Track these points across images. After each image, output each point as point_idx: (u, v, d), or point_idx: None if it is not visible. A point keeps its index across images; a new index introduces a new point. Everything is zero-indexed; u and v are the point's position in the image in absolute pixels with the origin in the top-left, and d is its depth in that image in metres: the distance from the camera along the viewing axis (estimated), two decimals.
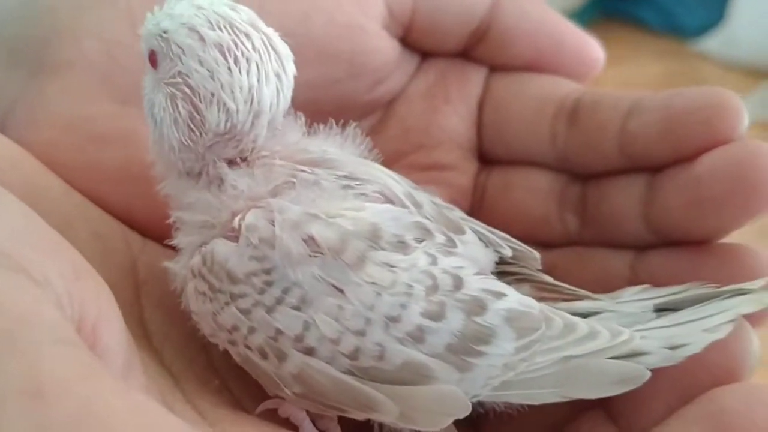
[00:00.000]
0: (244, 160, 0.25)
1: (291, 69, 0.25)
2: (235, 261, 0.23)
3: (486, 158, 0.34)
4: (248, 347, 0.23)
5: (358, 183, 0.25)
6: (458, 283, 0.24)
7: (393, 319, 0.23)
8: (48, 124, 0.28)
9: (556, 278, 0.28)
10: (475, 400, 0.24)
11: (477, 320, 0.24)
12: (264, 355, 0.23)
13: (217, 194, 0.25)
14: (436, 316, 0.23)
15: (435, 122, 0.33)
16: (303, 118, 0.27)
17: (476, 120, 0.34)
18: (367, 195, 0.25)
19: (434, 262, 0.24)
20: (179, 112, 0.24)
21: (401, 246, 0.24)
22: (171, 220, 0.26)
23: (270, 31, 0.25)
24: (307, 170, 0.25)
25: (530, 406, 0.26)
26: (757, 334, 0.25)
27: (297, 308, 0.23)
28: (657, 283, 0.27)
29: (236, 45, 0.24)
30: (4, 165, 0.26)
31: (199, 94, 0.24)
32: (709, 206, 0.26)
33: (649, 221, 0.29)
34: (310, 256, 0.23)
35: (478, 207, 0.33)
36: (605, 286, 0.28)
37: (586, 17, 1.28)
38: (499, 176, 0.33)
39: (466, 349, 0.23)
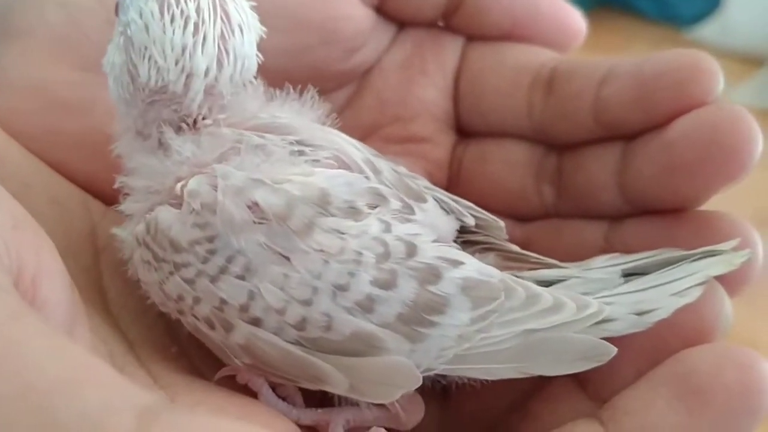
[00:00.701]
0: (192, 127, 0.24)
1: (246, 38, 0.24)
2: (178, 228, 0.23)
3: (463, 130, 0.33)
4: (195, 317, 0.23)
5: (310, 149, 0.24)
6: (412, 250, 0.23)
7: (341, 288, 0.22)
8: (7, 90, 0.27)
9: (532, 251, 0.28)
10: (429, 373, 0.23)
11: (430, 289, 0.23)
12: (211, 326, 0.23)
13: (162, 160, 0.24)
14: (387, 284, 0.23)
15: (411, 94, 0.33)
16: (261, 86, 0.26)
17: (453, 91, 0.33)
18: (320, 161, 0.24)
19: (387, 228, 0.23)
20: (119, 62, 0.24)
21: (352, 212, 0.23)
22: (117, 185, 0.25)
23: None
24: (255, 135, 0.24)
25: None
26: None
27: (241, 277, 0.22)
28: (631, 253, 0.27)
29: (177, 2, 0.23)
30: None
31: (135, 46, 0.23)
32: (683, 173, 0.26)
33: (624, 190, 0.28)
34: (255, 222, 0.22)
35: (455, 179, 0.32)
36: (580, 256, 0.27)
37: (581, 5, 1.28)
38: (476, 148, 0.32)
39: (418, 318, 0.23)
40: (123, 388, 0.16)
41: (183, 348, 0.26)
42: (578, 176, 0.30)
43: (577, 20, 0.33)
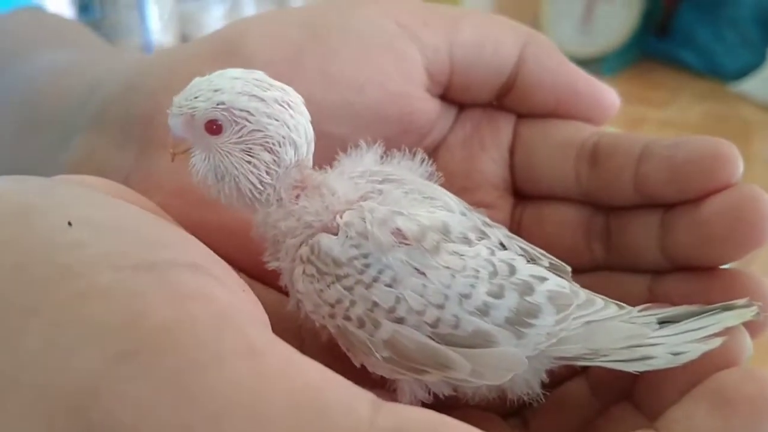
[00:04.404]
0: (302, 188, 0.31)
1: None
2: (338, 249, 0.28)
3: (520, 194, 0.38)
4: (347, 318, 0.28)
5: (426, 197, 0.30)
6: (512, 269, 0.29)
7: (465, 296, 0.28)
8: (157, 192, 0.32)
9: None
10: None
11: (527, 299, 0.29)
12: (361, 324, 0.28)
13: (319, 201, 0.30)
14: (497, 295, 0.28)
15: (473, 167, 0.38)
16: (380, 149, 0.32)
17: (509, 162, 0.38)
18: (436, 206, 0.30)
19: (492, 253, 0.29)
20: (259, 159, 0.29)
21: (466, 241, 0.29)
22: (264, 237, 0.31)
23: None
24: (385, 183, 0.30)
25: (564, 401, 0.32)
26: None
27: (389, 285, 0.28)
28: (671, 302, 0.32)
29: (282, 96, 0.30)
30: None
31: (275, 141, 0.29)
32: (714, 243, 0.31)
33: (664, 252, 0.33)
34: (398, 244, 0.28)
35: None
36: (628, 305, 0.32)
37: (627, 58, 1.31)
38: (533, 210, 0.38)
39: (519, 321, 0.28)
40: (357, 388, 0.22)
41: None
42: (624, 236, 0.35)
43: (611, 97, 0.38)
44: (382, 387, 0.31)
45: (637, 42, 1.33)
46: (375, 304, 0.28)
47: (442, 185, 0.33)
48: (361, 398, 0.21)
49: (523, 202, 0.38)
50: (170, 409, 0.20)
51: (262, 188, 0.30)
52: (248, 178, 0.30)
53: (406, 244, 0.28)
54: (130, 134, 0.35)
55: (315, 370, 0.22)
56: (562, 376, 0.34)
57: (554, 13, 1.36)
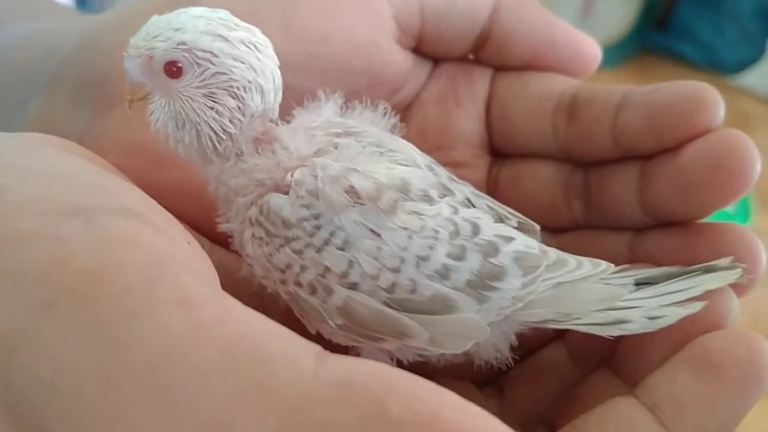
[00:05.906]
0: (262, 140, 0.28)
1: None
2: (288, 209, 0.26)
3: (497, 152, 0.37)
4: (299, 284, 0.27)
5: (387, 150, 0.28)
6: (476, 229, 0.27)
7: (423, 259, 0.26)
8: (113, 151, 0.30)
9: None
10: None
11: (491, 261, 0.27)
12: (313, 291, 0.26)
13: (270, 157, 0.28)
14: (458, 256, 0.27)
15: (449, 124, 0.36)
16: (340, 99, 0.30)
17: (485, 119, 0.37)
18: (397, 161, 0.28)
19: (455, 212, 0.28)
20: (223, 105, 0.27)
21: (427, 199, 0.27)
22: (217, 195, 0.29)
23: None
24: (343, 137, 0.28)
25: (541, 368, 0.30)
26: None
27: (341, 249, 0.26)
28: (653, 261, 0.30)
29: (249, 37, 0.27)
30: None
31: (240, 85, 0.27)
32: (695, 191, 0.29)
33: (644, 206, 0.31)
34: (351, 204, 0.26)
35: (492, 197, 0.36)
36: None
37: (626, 52, 1.30)
38: (510, 169, 0.36)
39: (482, 284, 0.27)
40: (302, 340, 0.20)
41: None
42: (603, 192, 0.33)
43: (591, 48, 0.36)
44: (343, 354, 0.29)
45: (636, 35, 1.31)
46: (327, 268, 0.26)
47: (416, 144, 0.31)
48: (305, 350, 0.20)
49: (500, 160, 0.37)
50: (93, 362, 0.18)
51: (224, 138, 0.27)
52: (210, 126, 0.27)
53: (361, 204, 0.26)
54: (85, 94, 0.33)
55: (256, 322, 0.20)
56: (538, 342, 0.32)
57: (553, 6, 1.34)
